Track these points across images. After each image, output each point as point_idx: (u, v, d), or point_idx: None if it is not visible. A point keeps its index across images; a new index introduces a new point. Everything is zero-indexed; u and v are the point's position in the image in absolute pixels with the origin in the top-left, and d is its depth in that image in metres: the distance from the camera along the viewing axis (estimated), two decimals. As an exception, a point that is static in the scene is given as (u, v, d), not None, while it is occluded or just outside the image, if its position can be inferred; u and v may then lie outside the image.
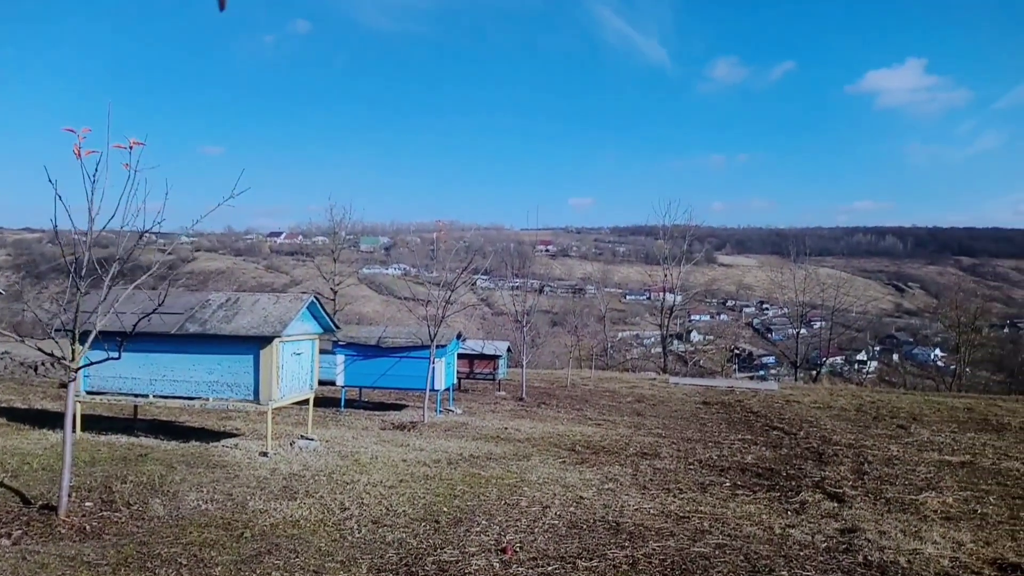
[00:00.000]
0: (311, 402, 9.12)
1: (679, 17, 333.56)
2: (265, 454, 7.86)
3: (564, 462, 8.64)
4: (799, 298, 45.39)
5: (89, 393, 8.41)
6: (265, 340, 7.78)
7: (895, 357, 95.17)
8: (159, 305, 4.99)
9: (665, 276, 42.03)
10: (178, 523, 5.33)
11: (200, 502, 5.84)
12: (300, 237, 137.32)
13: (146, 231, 5.53)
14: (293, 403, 8.92)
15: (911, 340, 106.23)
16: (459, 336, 14.76)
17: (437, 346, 12.69)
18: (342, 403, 13.76)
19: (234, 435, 9.43)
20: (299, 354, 8.50)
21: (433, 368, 12.52)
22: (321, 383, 16.14)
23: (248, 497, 6.03)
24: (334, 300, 39.49)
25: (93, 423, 9.47)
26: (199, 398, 8.10)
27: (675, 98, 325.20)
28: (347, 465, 7.59)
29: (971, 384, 37.43)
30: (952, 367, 47.25)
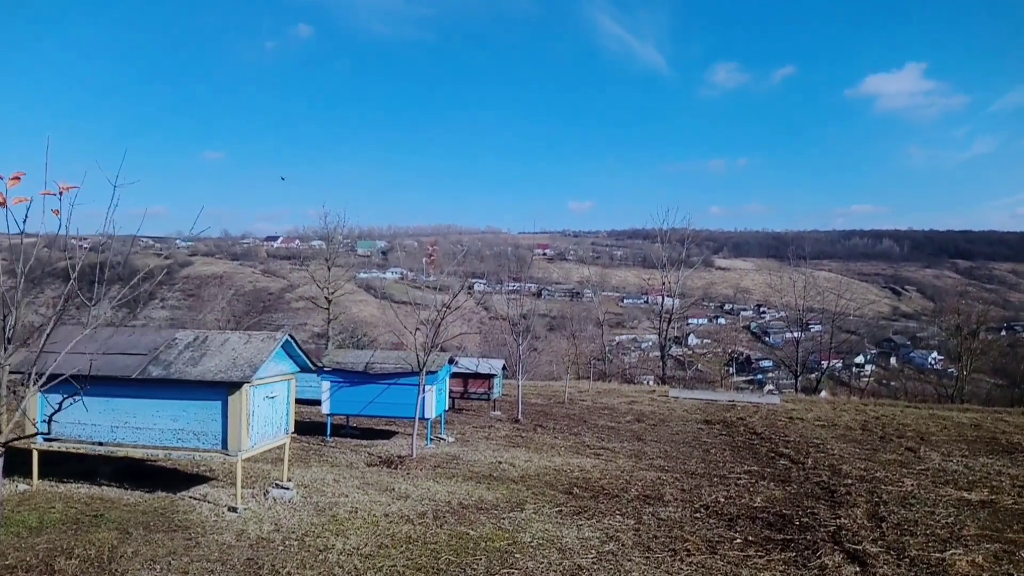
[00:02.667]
0: (287, 447, 8.46)
1: (676, 24, 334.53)
2: (234, 509, 7.21)
3: (561, 511, 8.00)
4: (797, 302, 44.70)
5: (47, 440, 7.74)
6: (234, 385, 7.14)
7: (893, 361, 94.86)
8: (93, 360, 4.30)
9: (663, 280, 41.20)
10: (122, 613, 4.69)
11: (151, 583, 5.20)
12: (297, 241, 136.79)
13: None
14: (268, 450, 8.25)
15: (908, 344, 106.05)
16: (451, 360, 14.11)
17: (428, 372, 12.04)
18: (328, 431, 13.10)
19: (206, 479, 8.78)
20: (272, 397, 7.84)
21: (423, 398, 11.87)
22: (308, 402, 15.53)
23: None
24: (328, 309, 38.92)
25: (55, 466, 8.80)
26: (164, 447, 7.44)
27: (674, 103, 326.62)
28: (323, 524, 6.93)
29: (972, 391, 36.81)
30: (950, 370, 46.62)
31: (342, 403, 12.90)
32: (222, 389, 7.21)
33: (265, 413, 7.71)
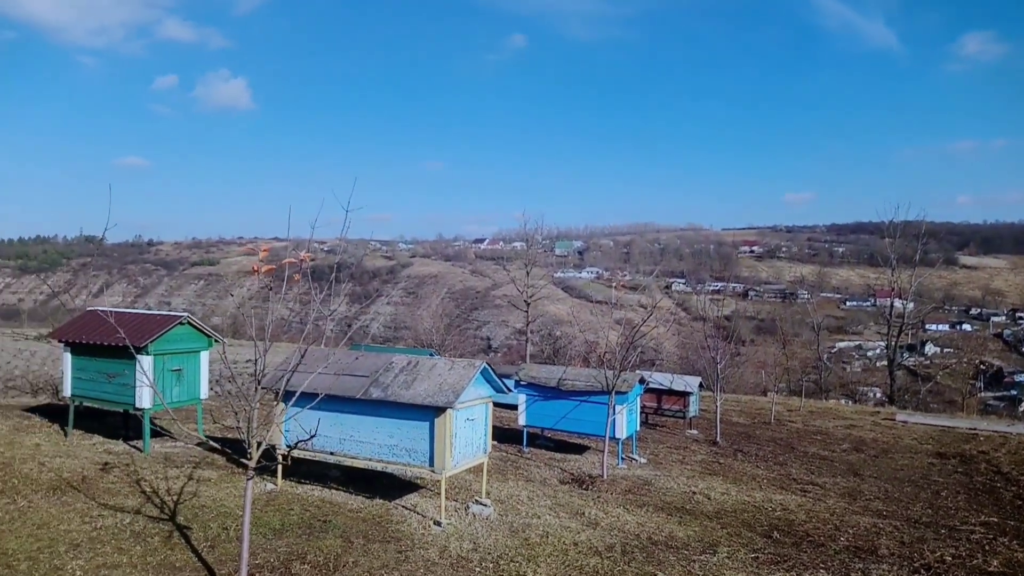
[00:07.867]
0: (485, 465, 9.05)
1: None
2: (438, 523, 7.90)
3: (757, 559, 7.65)
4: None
5: (288, 447, 9.06)
6: (440, 409, 7.82)
7: None
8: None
9: (893, 280, 35.64)
10: (344, 619, 5.38)
11: (369, 591, 5.89)
12: (500, 243, 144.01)
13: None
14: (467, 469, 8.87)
15: None
16: (642, 381, 14.01)
17: (618, 392, 12.11)
18: (524, 442, 13.71)
19: (416, 487, 9.66)
20: (472, 420, 8.46)
21: (614, 418, 11.96)
22: (507, 407, 16.27)
23: (413, 589, 5.98)
24: (527, 312, 40.50)
25: (295, 467, 10.08)
26: (381, 460, 8.36)
27: (909, 82, 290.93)
28: (516, 547, 7.34)
29: None
30: None
31: (537, 416, 13.42)
32: (430, 412, 7.93)
33: (466, 434, 8.34)
